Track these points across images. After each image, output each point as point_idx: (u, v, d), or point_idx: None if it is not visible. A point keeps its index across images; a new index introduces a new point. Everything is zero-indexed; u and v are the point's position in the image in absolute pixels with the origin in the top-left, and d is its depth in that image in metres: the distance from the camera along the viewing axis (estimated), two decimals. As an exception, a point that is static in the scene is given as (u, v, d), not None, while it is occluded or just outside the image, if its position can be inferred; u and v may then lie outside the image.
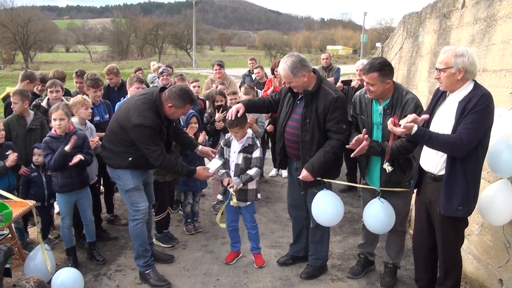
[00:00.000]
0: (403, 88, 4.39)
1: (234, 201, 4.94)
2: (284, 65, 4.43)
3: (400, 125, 3.63)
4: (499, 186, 3.87)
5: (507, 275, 4.13)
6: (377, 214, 4.44)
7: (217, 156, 5.16)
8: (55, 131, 4.94)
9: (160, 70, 8.52)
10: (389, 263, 4.86)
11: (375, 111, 4.41)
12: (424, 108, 4.26)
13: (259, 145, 5.09)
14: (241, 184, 4.92)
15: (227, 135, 5.15)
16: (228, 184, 4.92)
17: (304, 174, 4.51)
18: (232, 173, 5.01)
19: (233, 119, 4.77)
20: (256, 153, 4.99)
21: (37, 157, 5.38)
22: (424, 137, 3.60)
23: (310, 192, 4.71)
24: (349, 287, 4.89)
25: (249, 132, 5.05)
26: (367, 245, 5.01)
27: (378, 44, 48.82)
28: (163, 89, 4.66)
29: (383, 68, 4.16)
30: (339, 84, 7.79)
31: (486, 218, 3.98)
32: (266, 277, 5.04)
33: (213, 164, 4.99)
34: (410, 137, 3.70)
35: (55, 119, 4.87)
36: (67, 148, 4.80)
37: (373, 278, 5.03)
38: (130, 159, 4.58)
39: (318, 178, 4.55)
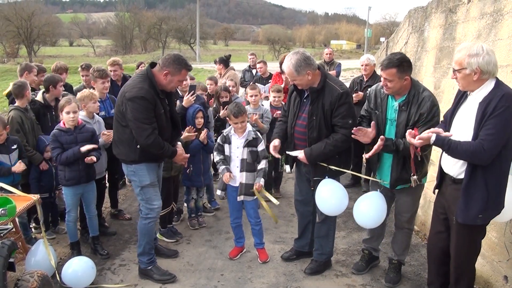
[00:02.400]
0: (420, 85, 4.31)
1: (264, 203, 4.99)
2: (288, 62, 4.41)
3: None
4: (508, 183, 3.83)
5: (512, 271, 4.11)
6: (368, 211, 4.46)
7: (215, 153, 5.15)
8: (64, 124, 4.96)
9: None
10: (394, 259, 4.85)
11: (390, 107, 4.35)
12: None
13: (261, 137, 5.13)
14: (263, 180, 5.01)
15: (225, 131, 5.15)
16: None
17: (300, 156, 4.53)
18: (237, 169, 5.01)
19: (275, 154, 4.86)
20: (261, 146, 5.04)
21: (50, 153, 5.48)
22: (443, 146, 3.51)
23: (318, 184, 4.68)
24: (353, 282, 4.88)
25: (248, 125, 5.08)
26: (373, 240, 4.99)
27: (382, 39, 48.71)
28: (153, 64, 4.56)
29: (402, 64, 4.07)
30: None
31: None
32: (270, 273, 5.04)
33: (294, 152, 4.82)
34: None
35: (68, 112, 4.90)
36: (83, 149, 4.87)
37: (378, 274, 5.02)
38: (138, 146, 4.46)
39: (322, 164, 4.55)
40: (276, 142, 4.81)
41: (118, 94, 6.56)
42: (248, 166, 4.97)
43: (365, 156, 4.32)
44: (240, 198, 5.06)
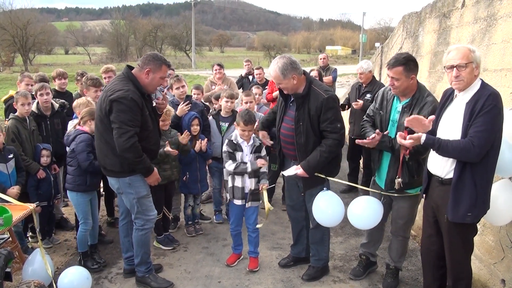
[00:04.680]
0: (426, 90, 4.35)
1: (267, 205, 4.90)
2: (275, 66, 4.44)
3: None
4: (501, 186, 3.85)
5: (509, 275, 4.12)
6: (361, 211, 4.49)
7: (229, 161, 4.98)
8: (83, 129, 5.06)
9: None
10: (391, 265, 4.85)
11: (394, 108, 4.39)
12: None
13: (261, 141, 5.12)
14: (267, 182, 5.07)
15: (233, 138, 5.03)
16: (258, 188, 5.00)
17: (299, 172, 4.52)
18: (246, 176, 4.97)
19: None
20: (264, 151, 5.06)
21: (46, 158, 5.61)
22: (433, 145, 3.54)
23: (309, 193, 4.71)
24: (351, 288, 4.88)
25: None
26: (370, 245, 4.99)
27: (377, 44, 48.94)
28: (129, 67, 4.47)
29: (408, 62, 4.13)
30: None
31: (488, 218, 3.95)
32: (268, 279, 5.03)
33: (290, 171, 4.71)
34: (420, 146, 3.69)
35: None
36: None
37: (375, 279, 5.02)
38: None
39: (319, 175, 4.56)
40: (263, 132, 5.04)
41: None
42: (255, 172, 4.98)
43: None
44: (248, 204, 5.04)
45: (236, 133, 5.02)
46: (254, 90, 7.44)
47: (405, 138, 3.66)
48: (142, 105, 4.30)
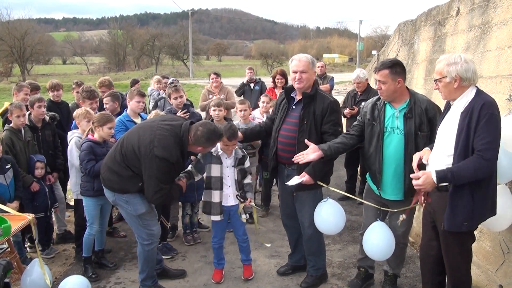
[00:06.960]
0: (417, 93, 4.43)
1: (255, 216, 4.99)
2: (306, 55, 4.68)
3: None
4: (498, 192, 3.86)
5: (507, 280, 4.13)
6: (377, 243, 4.39)
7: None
8: (92, 136, 5.08)
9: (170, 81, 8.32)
10: (389, 272, 4.85)
11: (390, 115, 4.36)
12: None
13: (246, 153, 5.12)
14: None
15: (213, 151, 4.87)
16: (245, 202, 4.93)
17: (306, 178, 4.49)
18: (230, 189, 4.91)
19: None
20: (247, 162, 5.04)
21: (40, 170, 5.58)
22: (446, 178, 3.45)
23: (301, 200, 4.77)
24: (349, 296, 4.87)
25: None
26: (368, 259, 4.92)
27: (374, 52, 49.17)
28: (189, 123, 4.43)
29: (394, 66, 4.19)
30: None
31: (485, 224, 3.95)
32: (266, 287, 5.03)
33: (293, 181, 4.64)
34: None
35: (110, 128, 5.08)
36: None
37: (374, 287, 5.02)
38: (140, 184, 4.34)
39: (321, 184, 4.60)
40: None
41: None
42: (240, 185, 4.95)
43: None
44: (243, 218, 5.00)
45: (218, 145, 4.87)
46: (262, 98, 7.42)
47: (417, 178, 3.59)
48: (178, 165, 4.40)
